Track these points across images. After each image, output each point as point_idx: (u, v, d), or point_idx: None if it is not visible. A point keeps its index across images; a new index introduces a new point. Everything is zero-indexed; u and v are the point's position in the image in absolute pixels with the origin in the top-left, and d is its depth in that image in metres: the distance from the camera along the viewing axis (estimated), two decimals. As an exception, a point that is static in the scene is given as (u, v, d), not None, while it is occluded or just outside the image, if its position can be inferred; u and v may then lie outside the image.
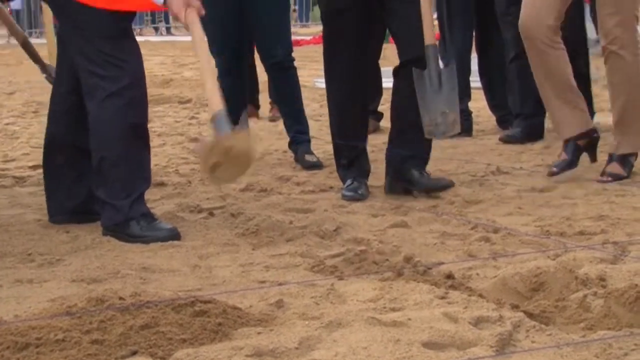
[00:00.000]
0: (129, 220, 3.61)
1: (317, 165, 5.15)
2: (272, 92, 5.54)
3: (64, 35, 3.87)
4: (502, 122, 6.18)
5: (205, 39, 3.65)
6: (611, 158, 4.52)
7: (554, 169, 4.52)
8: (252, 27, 5.32)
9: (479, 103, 6.54)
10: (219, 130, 3.33)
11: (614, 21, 4.35)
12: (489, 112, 6.42)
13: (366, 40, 4.34)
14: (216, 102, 3.42)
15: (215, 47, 5.34)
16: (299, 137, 5.34)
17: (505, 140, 5.71)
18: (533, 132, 5.72)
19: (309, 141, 5.35)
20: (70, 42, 3.80)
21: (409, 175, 4.23)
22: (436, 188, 4.22)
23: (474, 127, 6.22)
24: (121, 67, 3.67)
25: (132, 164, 3.69)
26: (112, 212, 3.66)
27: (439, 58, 4.33)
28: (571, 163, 4.50)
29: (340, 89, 4.38)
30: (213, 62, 4.97)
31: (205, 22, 5.33)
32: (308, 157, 5.23)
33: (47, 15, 5.43)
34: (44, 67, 4.80)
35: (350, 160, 4.39)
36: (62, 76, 3.89)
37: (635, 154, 4.56)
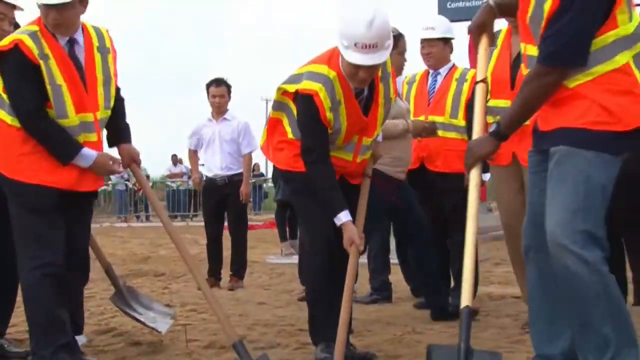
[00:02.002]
0: None
1: None
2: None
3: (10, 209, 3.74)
4: (415, 292, 6.25)
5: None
6: None
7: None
8: None
9: (397, 276, 6.57)
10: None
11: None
12: (405, 284, 6.48)
13: None
14: (231, 332, 3.66)
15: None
16: None
17: (418, 306, 5.74)
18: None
19: None
20: (12, 217, 3.71)
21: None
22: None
23: (393, 295, 6.26)
24: (44, 247, 3.61)
25: (53, 326, 3.63)
26: None
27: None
28: None
29: None
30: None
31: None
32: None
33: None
34: (120, 291, 4.52)
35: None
36: None
37: None
